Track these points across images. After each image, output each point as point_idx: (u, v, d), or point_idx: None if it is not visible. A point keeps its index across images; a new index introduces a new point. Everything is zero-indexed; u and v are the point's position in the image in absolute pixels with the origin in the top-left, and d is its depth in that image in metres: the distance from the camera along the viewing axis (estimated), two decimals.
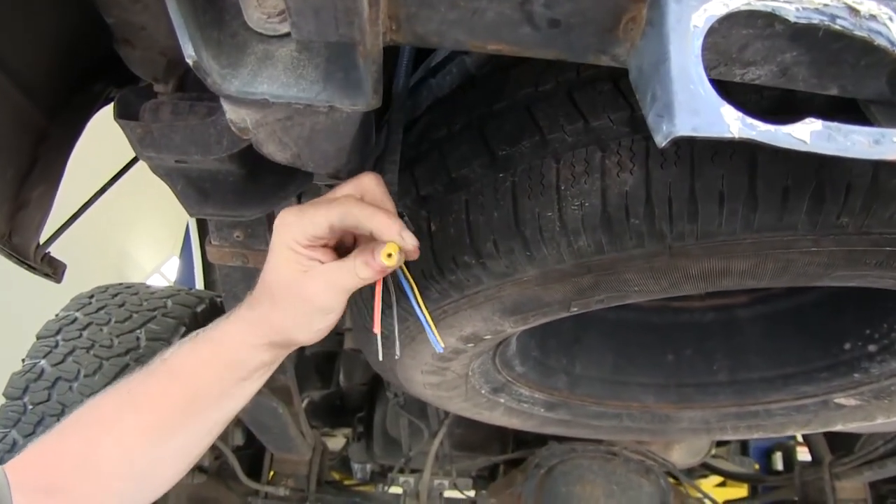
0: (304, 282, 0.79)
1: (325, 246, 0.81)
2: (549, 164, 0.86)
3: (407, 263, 0.84)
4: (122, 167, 1.59)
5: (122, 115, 1.06)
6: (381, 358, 0.95)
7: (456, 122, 0.98)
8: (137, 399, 0.85)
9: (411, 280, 0.82)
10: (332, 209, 0.78)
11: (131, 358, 1.92)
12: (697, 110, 0.47)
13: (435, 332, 0.89)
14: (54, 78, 1.12)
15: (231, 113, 0.75)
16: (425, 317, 0.87)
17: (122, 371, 1.82)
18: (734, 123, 0.48)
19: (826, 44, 0.57)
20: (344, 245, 0.85)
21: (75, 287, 2.38)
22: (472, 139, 0.93)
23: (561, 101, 0.87)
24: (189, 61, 0.64)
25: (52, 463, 0.83)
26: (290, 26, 0.60)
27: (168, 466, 0.88)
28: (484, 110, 0.95)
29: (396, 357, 0.98)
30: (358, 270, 0.78)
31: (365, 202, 0.79)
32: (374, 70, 0.63)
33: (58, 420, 0.91)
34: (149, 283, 2.48)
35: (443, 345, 0.91)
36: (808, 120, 0.49)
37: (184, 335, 1.14)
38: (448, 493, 2.31)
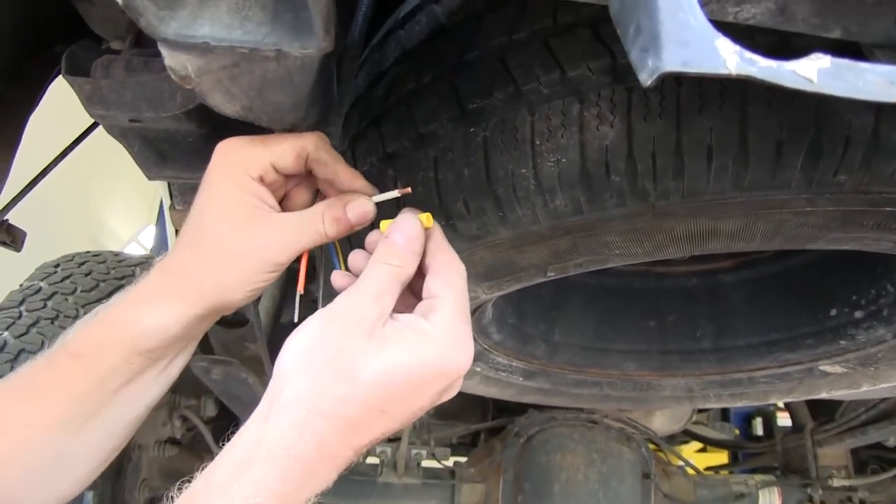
0: (253, 230, 0.67)
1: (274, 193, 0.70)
2: (523, 117, 0.80)
3: None
4: (82, 131, 1.52)
5: (70, 70, 0.99)
6: (296, 319, 0.88)
7: (425, 74, 0.91)
8: (38, 389, 0.72)
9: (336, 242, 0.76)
10: (303, 137, 0.69)
11: None
12: (688, 42, 0.40)
13: None
14: (8, 39, 1.05)
15: (170, 59, 0.67)
16: None
17: None
18: (731, 58, 0.41)
19: None
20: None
21: (52, 257, 2.32)
22: (442, 92, 0.87)
23: (536, 49, 0.81)
24: (119, 0, 0.57)
25: None
26: None
27: (79, 464, 0.76)
28: (454, 61, 0.88)
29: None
30: (327, 227, 0.69)
31: None
32: (323, 7, 0.57)
33: None
34: (126, 251, 2.42)
35: None
36: (814, 56, 0.42)
37: None
38: (427, 463, 2.28)
